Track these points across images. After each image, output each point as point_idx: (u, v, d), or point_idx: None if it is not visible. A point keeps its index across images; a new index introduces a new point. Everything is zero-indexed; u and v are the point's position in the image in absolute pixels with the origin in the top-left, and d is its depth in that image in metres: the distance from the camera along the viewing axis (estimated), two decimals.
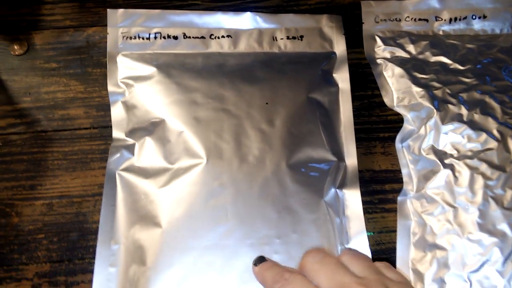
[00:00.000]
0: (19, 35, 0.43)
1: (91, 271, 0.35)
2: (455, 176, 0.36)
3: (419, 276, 0.34)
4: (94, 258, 0.34)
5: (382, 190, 0.39)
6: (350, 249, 0.31)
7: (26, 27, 0.44)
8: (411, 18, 0.44)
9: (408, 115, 0.39)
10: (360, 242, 0.35)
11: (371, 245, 0.36)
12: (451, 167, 0.37)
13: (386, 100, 0.41)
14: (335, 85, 0.41)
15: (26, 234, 0.36)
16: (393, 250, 0.36)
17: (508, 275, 0.33)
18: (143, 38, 0.41)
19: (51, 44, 0.43)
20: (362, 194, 0.37)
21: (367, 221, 0.38)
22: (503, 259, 0.34)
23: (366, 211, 0.38)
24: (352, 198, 0.37)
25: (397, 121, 0.41)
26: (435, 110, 0.38)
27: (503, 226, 0.34)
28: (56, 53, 0.43)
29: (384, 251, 0.37)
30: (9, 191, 0.38)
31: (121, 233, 0.35)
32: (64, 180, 0.38)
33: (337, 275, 0.27)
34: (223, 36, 0.42)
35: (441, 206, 0.36)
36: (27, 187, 0.38)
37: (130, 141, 0.38)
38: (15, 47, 0.42)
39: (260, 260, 0.31)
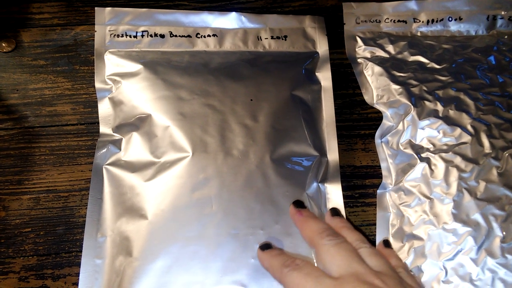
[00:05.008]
0: (7, 33, 0.44)
1: (78, 264, 0.35)
2: (431, 169, 0.38)
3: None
4: (80, 251, 0.35)
5: (362, 185, 0.40)
6: (366, 242, 0.30)
7: (14, 25, 0.44)
8: (391, 20, 0.46)
9: (387, 112, 0.41)
10: None
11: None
12: (427, 161, 0.38)
13: (366, 97, 0.43)
14: (318, 83, 0.43)
15: (13, 228, 0.37)
16: (373, 242, 0.37)
17: (481, 263, 0.35)
18: (130, 36, 0.42)
19: (39, 42, 0.44)
20: (343, 189, 0.39)
21: (348, 214, 0.39)
22: (477, 247, 0.35)
23: (347, 205, 0.39)
24: (334, 192, 0.38)
25: (377, 119, 0.42)
26: (412, 107, 0.40)
27: (477, 216, 0.36)
28: (44, 51, 0.43)
29: None
30: None
31: (108, 225, 0.35)
32: (51, 175, 0.39)
33: (353, 264, 0.27)
34: (209, 35, 0.43)
35: (418, 198, 0.37)
36: (14, 182, 0.38)
37: (117, 136, 0.39)
38: (3, 44, 0.43)
39: (268, 246, 0.31)
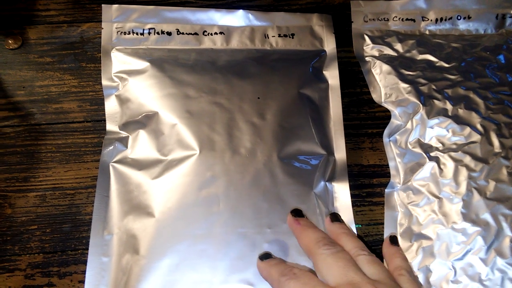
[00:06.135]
0: (14, 30, 0.44)
1: (84, 262, 0.35)
2: (440, 168, 0.37)
3: None
4: (87, 249, 0.35)
5: (370, 184, 0.40)
6: (364, 249, 0.30)
7: (20, 22, 0.44)
8: (399, 18, 0.45)
9: (395, 110, 0.41)
10: None
11: (359, 237, 0.37)
12: (436, 160, 0.38)
13: (374, 96, 0.42)
14: (325, 81, 0.42)
15: (19, 225, 0.37)
16: (381, 241, 0.37)
17: (491, 263, 0.34)
18: (137, 34, 0.42)
19: (46, 39, 0.44)
20: (351, 188, 0.38)
21: (355, 214, 0.38)
22: (486, 247, 0.35)
23: (354, 204, 0.39)
24: (341, 191, 0.38)
25: (385, 118, 0.42)
26: (421, 105, 0.40)
27: (486, 216, 0.36)
28: (50, 48, 0.43)
29: (371, 242, 0.38)
30: (3, 183, 0.38)
31: (114, 223, 0.35)
32: (57, 172, 0.39)
33: (350, 273, 0.27)
34: (216, 33, 0.43)
35: (427, 197, 0.37)
36: (20, 179, 0.38)
37: (124, 134, 0.39)
38: (10, 41, 0.43)
39: (267, 256, 0.31)
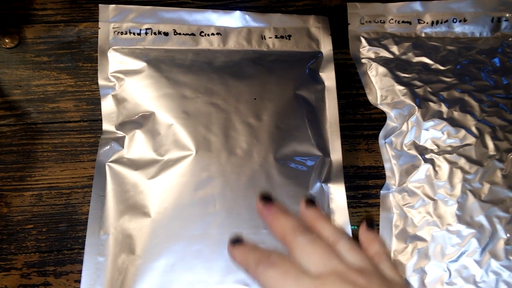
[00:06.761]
0: (10, 29, 0.44)
1: (80, 262, 0.35)
2: (435, 170, 0.38)
3: (401, 266, 0.35)
4: (83, 248, 0.35)
5: (365, 186, 0.40)
6: (343, 234, 0.27)
7: (17, 21, 0.44)
8: (395, 21, 0.46)
9: (391, 113, 0.41)
10: None
11: (354, 238, 0.37)
12: (431, 162, 0.38)
13: (370, 98, 0.42)
14: (322, 83, 0.43)
15: (15, 224, 0.37)
16: None
17: (485, 265, 0.35)
18: (134, 34, 0.42)
19: (42, 38, 0.43)
20: (346, 189, 0.38)
21: (351, 215, 0.39)
22: (481, 249, 0.35)
23: (350, 206, 0.39)
24: (337, 192, 0.38)
25: (380, 120, 0.42)
26: (416, 108, 0.40)
27: (481, 218, 0.36)
28: (47, 47, 0.43)
29: None
30: None
31: (110, 223, 0.35)
32: (54, 171, 0.39)
33: (332, 261, 0.25)
34: (212, 34, 0.43)
35: (422, 199, 0.37)
36: (16, 178, 0.38)
37: (120, 133, 0.39)
38: (6, 40, 0.43)
39: (239, 240, 0.28)
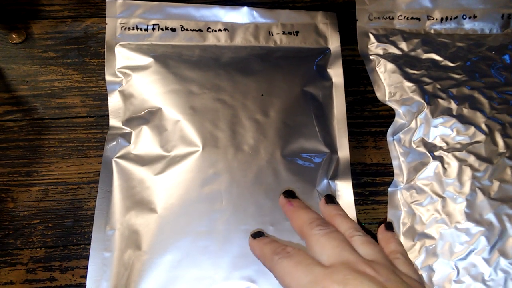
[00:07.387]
0: (17, 24, 0.44)
1: (86, 257, 0.35)
2: (444, 168, 0.37)
3: None
4: (89, 244, 0.35)
5: (373, 183, 0.40)
6: (359, 230, 0.29)
7: (24, 16, 0.44)
8: (404, 17, 0.45)
9: (399, 109, 0.40)
10: None
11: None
12: (440, 159, 0.38)
13: (378, 94, 0.42)
14: (329, 79, 0.42)
15: (21, 219, 0.37)
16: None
17: (494, 263, 0.34)
18: (141, 29, 0.42)
19: (49, 33, 0.43)
20: (354, 186, 0.38)
21: (358, 212, 0.38)
22: (490, 247, 0.35)
23: (357, 203, 0.38)
24: (344, 189, 0.38)
25: (389, 117, 0.42)
26: (425, 104, 0.39)
27: (490, 216, 0.35)
28: (54, 43, 0.43)
29: None
30: (5, 177, 0.38)
31: (117, 218, 0.35)
32: (60, 167, 0.39)
33: (344, 252, 0.26)
34: (220, 30, 0.43)
35: (430, 196, 0.37)
36: (23, 173, 0.38)
37: (127, 129, 0.38)
38: (13, 35, 0.43)
39: (260, 234, 0.30)
